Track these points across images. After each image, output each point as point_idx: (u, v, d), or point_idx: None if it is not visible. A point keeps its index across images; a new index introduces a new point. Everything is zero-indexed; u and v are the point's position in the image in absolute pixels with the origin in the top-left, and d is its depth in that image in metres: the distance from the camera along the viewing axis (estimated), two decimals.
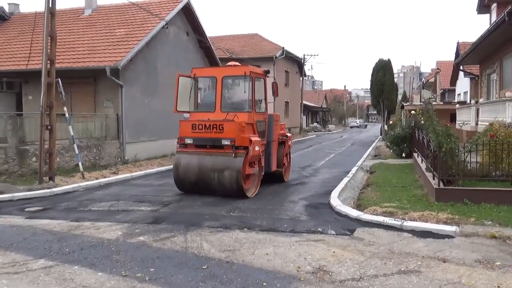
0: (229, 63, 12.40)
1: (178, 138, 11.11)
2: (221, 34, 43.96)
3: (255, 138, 10.71)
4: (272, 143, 12.23)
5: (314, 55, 50.78)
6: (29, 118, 14.49)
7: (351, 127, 79.96)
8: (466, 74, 26.27)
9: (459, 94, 35.20)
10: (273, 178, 12.46)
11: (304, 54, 48.06)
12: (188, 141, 10.83)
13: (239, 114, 10.80)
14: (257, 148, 10.70)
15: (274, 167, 12.29)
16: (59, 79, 12.51)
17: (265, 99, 12.13)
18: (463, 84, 32.10)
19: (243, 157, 10.24)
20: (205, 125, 10.54)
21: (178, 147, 11.13)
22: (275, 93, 11.66)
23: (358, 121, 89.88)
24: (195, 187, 10.71)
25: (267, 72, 12.17)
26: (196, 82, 11.84)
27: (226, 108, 11.13)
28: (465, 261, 5.65)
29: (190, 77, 11.75)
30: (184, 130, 10.89)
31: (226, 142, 10.31)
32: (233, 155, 10.23)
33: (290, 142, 13.46)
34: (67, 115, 12.87)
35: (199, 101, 12.04)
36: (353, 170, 15.00)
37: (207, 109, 11.36)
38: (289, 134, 13.58)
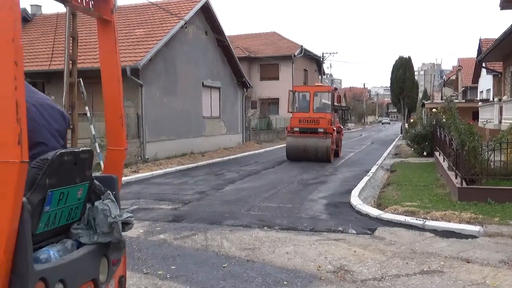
0: (316, 84, 24.65)
1: (287, 127, 18.70)
2: (240, 33, 44.00)
3: (335, 128, 18.21)
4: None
5: (333, 53, 49.58)
6: None
7: (383, 123, 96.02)
8: (489, 71, 25.77)
9: (481, 92, 34.55)
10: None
11: (322, 52, 47.70)
12: (296, 129, 17.75)
13: (326, 114, 18.03)
14: (335, 134, 18.31)
15: (334, 147, 18.38)
16: (81, 79, 12.64)
17: (333, 104, 18.98)
18: (486, 82, 31.48)
19: (330, 139, 17.32)
20: (307, 119, 17.75)
21: (287, 133, 18.35)
22: (337, 100, 19.53)
23: (388, 119, 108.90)
24: (299, 156, 17.41)
25: (336, 89, 20.36)
26: (294, 94, 19.12)
27: (315, 110, 18.28)
28: (490, 261, 5.55)
29: (292, 91, 19.08)
30: (293, 123, 17.97)
31: (320, 130, 17.32)
32: (324, 137, 17.23)
33: (342, 132, 21.46)
34: (88, 114, 13.03)
35: (297, 105, 19.06)
36: (373, 169, 14.88)
37: (304, 111, 18.37)
38: (342, 127, 21.74)
